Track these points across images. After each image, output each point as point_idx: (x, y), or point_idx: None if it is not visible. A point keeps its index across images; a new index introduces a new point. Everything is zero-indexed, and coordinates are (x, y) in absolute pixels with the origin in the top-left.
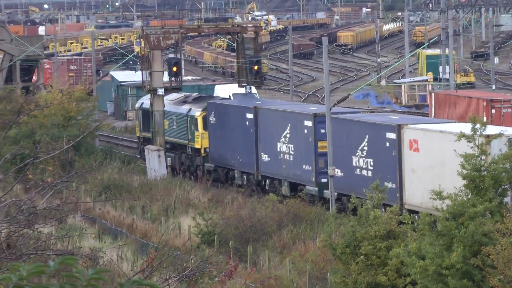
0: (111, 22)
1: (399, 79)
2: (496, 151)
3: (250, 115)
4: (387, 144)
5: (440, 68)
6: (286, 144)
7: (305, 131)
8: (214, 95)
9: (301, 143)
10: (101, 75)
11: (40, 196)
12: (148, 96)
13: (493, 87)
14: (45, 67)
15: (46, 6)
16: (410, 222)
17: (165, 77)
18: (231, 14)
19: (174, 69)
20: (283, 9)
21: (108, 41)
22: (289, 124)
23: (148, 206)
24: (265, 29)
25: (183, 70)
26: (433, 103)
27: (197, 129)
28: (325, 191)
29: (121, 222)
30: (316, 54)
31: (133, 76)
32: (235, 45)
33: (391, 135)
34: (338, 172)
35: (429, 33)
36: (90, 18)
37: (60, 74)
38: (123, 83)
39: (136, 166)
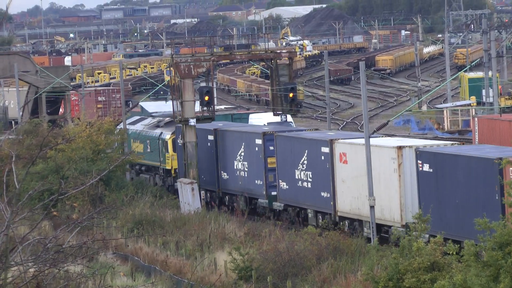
0: (140, 50)
1: (441, 104)
2: (408, 161)
3: (211, 137)
4: (322, 157)
5: (483, 92)
6: (241, 162)
7: (256, 148)
8: (249, 124)
9: (253, 160)
10: (131, 106)
11: (67, 233)
12: (129, 120)
13: None
14: (72, 98)
15: (71, 35)
16: (454, 253)
17: (197, 107)
18: (264, 40)
19: (206, 98)
20: (319, 34)
21: (137, 70)
22: (243, 143)
23: (182, 242)
24: (300, 54)
25: (215, 99)
26: (476, 128)
27: (167, 151)
28: (274, 202)
29: (154, 258)
30: (354, 80)
31: (163, 107)
32: (269, 72)
33: (325, 149)
34: (284, 185)
35: (471, 55)
36: (118, 47)
37: (87, 106)
38: (153, 114)
39: (169, 200)
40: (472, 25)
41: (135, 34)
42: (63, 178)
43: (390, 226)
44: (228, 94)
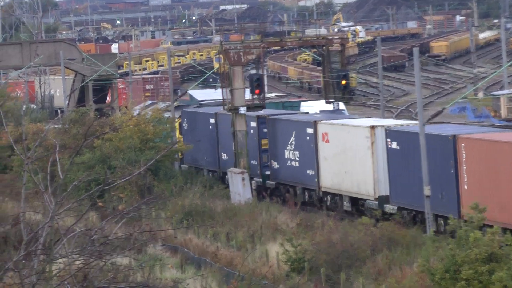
0: (189, 37)
1: (497, 91)
2: (380, 139)
3: (212, 120)
4: (308, 138)
5: None
6: None
7: (251, 131)
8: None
9: (249, 142)
10: (179, 94)
11: (113, 225)
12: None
13: None
14: (119, 87)
15: (118, 22)
16: None
17: (247, 95)
18: (316, 26)
19: (257, 91)
20: (372, 19)
21: (185, 57)
22: None
23: (233, 233)
24: (352, 40)
25: (266, 87)
26: None
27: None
28: (267, 181)
29: (204, 250)
30: (408, 66)
31: (213, 95)
32: (320, 58)
33: (310, 130)
34: (275, 165)
35: None
36: (166, 34)
37: (135, 94)
38: (202, 102)
39: (219, 191)
40: None
41: (184, 20)
42: (110, 168)
43: (365, 200)
44: (279, 81)
